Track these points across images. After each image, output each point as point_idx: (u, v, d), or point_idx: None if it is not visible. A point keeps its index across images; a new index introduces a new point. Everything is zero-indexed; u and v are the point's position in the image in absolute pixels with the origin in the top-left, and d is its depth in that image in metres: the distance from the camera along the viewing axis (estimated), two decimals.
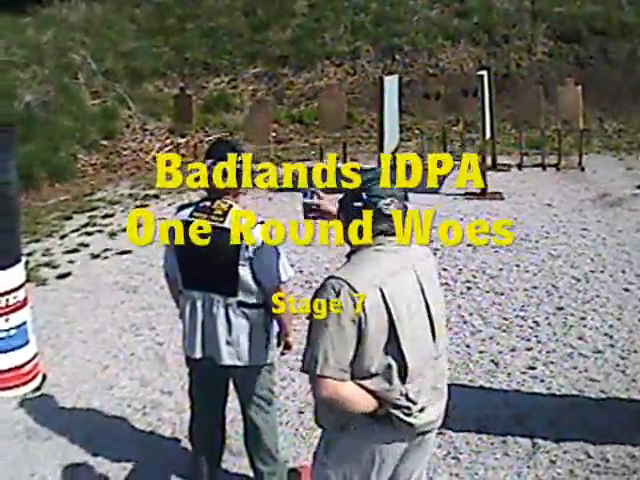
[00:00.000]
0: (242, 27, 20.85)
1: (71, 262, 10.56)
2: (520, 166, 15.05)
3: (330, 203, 4.15)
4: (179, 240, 4.58)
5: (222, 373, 4.78)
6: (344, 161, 14.94)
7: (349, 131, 16.56)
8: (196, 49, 20.16)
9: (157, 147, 16.97)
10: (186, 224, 4.55)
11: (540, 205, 12.53)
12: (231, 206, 4.55)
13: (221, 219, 4.49)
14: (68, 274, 10.08)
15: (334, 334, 3.25)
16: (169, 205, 13.13)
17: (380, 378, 3.34)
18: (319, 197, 4.23)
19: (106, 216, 12.71)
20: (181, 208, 4.76)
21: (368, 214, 3.44)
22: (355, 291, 3.25)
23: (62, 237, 11.71)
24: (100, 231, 11.92)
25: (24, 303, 6.86)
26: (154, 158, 16.48)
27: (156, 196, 13.79)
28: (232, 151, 4.63)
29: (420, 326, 3.44)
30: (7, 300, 6.63)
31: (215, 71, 19.80)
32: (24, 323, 6.86)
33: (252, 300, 4.57)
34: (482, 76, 13.77)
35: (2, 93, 15.71)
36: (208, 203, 4.58)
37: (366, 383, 3.34)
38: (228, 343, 4.57)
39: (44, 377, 7.10)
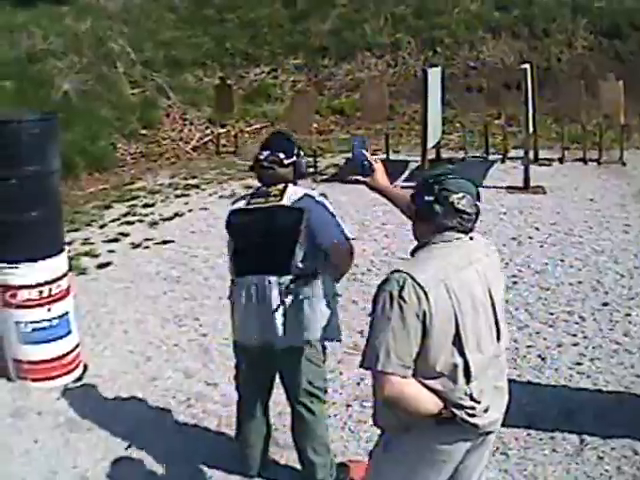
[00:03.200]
0: (282, 18, 20.78)
1: (111, 251, 10.44)
2: (561, 160, 14.96)
3: (380, 171, 4.10)
4: (236, 228, 4.67)
5: (274, 361, 4.73)
6: (386, 153, 14.84)
7: (390, 123, 16.29)
8: (236, 39, 20.11)
9: (197, 137, 16.85)
10: (244, 211, 4.62)
11: (582, 199, 12.39)
12: (286, 186, 4.59)
13: (278, 198, 4.53)
14: (108, 264, 9.95)
15: (397, 329, 3.11)
16: (210, 195, 13.09)
17: (445, 377, 3.21)
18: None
19: (146, 205, 12.63)
20: (236, 201, 4.84)
21: (439, 208, 3.34)
22: (420, 285, 3.13)
23: (102, 226, 11.62)
24: (141, 221, 11.83)
25: (67, 293, 6.74)
26: (194, 148, 16.39)
27: (197, 186, 13.74)
28: (289, 143, 4.75)
29: (484, 323, 3.32)
30: (50, 290, 6.49)
31: (255, 61, 19.76)
32: (67, 313, 6.72)
33: (305, 272, 4.54)
34: (525, 70, 13.53)
35: (40, 81, 15.65)
36: (264, 189, 4.63)
37: (430, 383, 3.21)
38: (284, 324, 4.53)
39: (85, 367, 6.97)
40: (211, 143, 16.78)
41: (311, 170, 14.00)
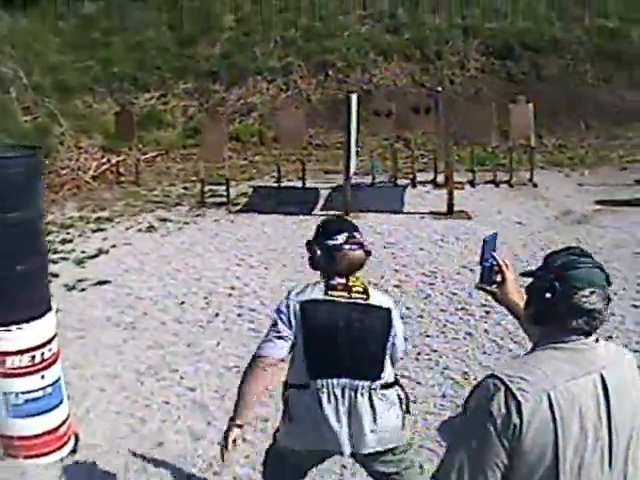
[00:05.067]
0: (169, 42, 20.25)
1: None
2: (472, 183, 15.00)
3: (511, 281, 3.46)
4: (316, 322, 4.07)
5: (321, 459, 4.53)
6: (303, 182, 14.56)
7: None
8: (123, 63, 19.43)
9: (94, 166, 16.15)
10: (324, 304, 4.09)
11: (511, 223, 12.48)
12: (364, 283, 4.20)
13: (364, 296, 4.11)
14: None
15: (477, 448, 2.66)
16: (127, 229, 12.58)
17: None
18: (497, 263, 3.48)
19: (64, 241, 11.98)
20: (301, 291, 4.21)
21: (560, 308, 2.79)
22: (513, 395, 2.63)
23: None
24: (64, 258, 11.17)
25: (57, 356, 6.08)
26: (93, 177, 15.72)
27: (109, 219, 13.14)
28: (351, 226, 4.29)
29: (591, 449, 2.70)
30: (42, 354, 5.81)
31: (144, 86, 19.21)
32: (59, 379, 6.09)
33: (390, 379, 4.24)
34: (437, 94, 13.67)
35: None
36: (342, 280, 4.14)
37: None
38: (372, 431, 4.11)
39: (77, 437, 6.33)
40: (109, 172, 16.03)
41: (224, 200, 13.79)
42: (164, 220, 12.98)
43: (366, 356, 4.11)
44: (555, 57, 20.32)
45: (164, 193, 14.91)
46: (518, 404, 2.60)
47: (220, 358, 7.72)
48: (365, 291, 4.12)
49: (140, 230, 12.49)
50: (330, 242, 4.13)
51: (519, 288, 3.35)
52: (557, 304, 2.78)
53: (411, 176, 15.35)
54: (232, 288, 9.93)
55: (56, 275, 10.38)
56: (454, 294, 9.48)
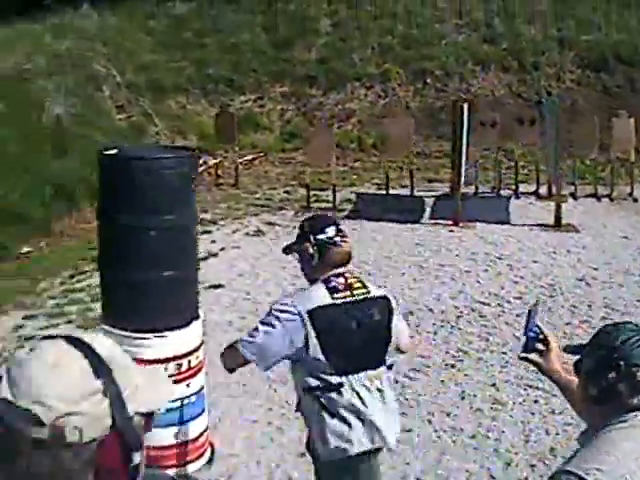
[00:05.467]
0: (264, 44, 19.90)
1: None
2: (575, 196, 14.51)
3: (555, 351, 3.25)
4: (326, 329, 3.94)
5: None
6: (411, 190, 14.16)
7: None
8: (218, 65, 19.14)
9: None
10: (333, 307, 3.98)
11: (617, 238, 12.10)
12: (357, 276, 4.23)
13: (364, 290, 4.09)
14: None
15: None
16: (234, 232, 12.43)
17: None
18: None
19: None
20: (303, 298, 4.08)
21: (624, 387, 2.62)
22: None
23: None
24: None
25: (202, 363, 5.77)
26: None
27: (212, 222, 12.83)
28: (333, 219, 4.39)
29: None
30: (189, 362, 5.53)
31: (240, 89, 18.82)
32: (202, 388, 5.78)
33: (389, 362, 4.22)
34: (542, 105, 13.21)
35: (30, 103, 14.50)
36: (341, 280, 4.07)
37: None
38: (387, 422, 4.09)
39: (212, 447, 6.00)
40: (207, 174, 15.71)
41: (329, 205, 13.45)
42: (270, 224, 12.65)
43: (379, 344, 4.10)
44: None
45: (266, 197, 14.57)
46: None
47: None
48: (364, 285, 4.11)
49: (247, 234, 12.23)
50: (322, 236, 4.05)
51: (562, 358, 3.22)
52: (619, 383, 2.64)
53: (514, 187, 14.93)
54: None
55: None
56: (574, 307, 9.20)
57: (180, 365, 5.46)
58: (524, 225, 12.66)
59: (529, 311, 3.33)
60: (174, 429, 5.53)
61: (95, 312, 8.80)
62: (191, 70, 18.93)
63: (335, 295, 3.98)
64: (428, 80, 19.38)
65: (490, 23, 20.82)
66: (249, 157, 16.64)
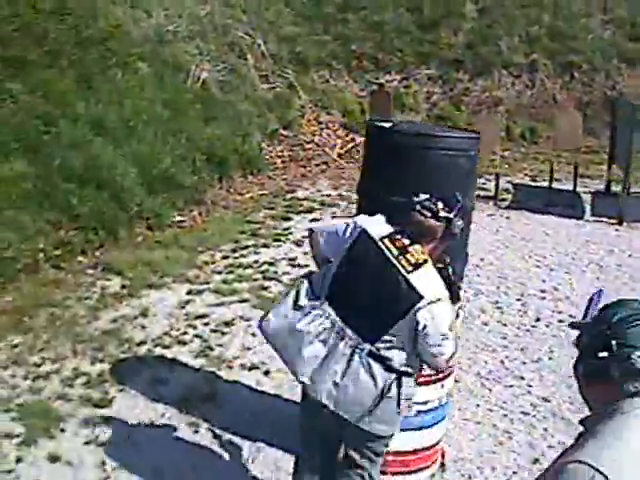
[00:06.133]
0: (409, 24, 18.94)
1: None
2: None
3: None
4: (352, 254, 4.05)
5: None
6: (574, 185, 13.12)
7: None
8: (362, 42, 18.22)
9: (339, 144, 15.01)
10: (373, 246, 3.99)
11: None
12: (426, 261, 3.96)
13: (410, 268, 3.91)
14: None
15: None
16: None
17: None
18: None
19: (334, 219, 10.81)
20: (370, 220, 4.17)
21: (617, 369, 2.46)
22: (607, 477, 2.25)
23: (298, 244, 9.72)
24: None
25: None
26: (339, 155, 14.58)
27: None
28: (453, 196, 4.11)
29: None
30: None
31: (385, 68, 17.92)
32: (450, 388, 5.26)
33: (390, 360, 3.96)
34: None
35: (175, 66, 13.72)
36: (406, 241, 3.98)
37: None
38: (335, 384, 3.96)
39: (443, 450, 5.43)
40: (355, 151, 14.83)
41: (490, 194, 12.55)
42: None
43: (373, 316, 3.97)
44: None
45: None
46: None
47: (559, 367, 6.94)
48: (416, 266, 3.91)
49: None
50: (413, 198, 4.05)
51: None
52: (612, 364, 2.49)
53: None
54: (542, 291, 8.94)
55: None
56: None
57: None
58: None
59: (590, 298, 2.91)
60: (419, 432, 4.97)
61: (270, 292, 8.06)
62: (334, 45, 18.07)
63: (384, 240, 3.99)
64: (575, 74, 18.39)
65: (634, 22, 19.80)
66: None
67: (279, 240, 9.93)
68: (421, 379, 4.52)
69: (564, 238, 11.01)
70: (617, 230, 11.57)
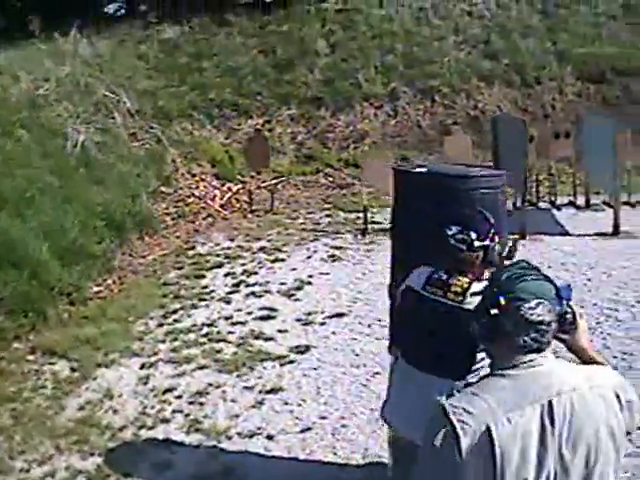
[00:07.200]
0: (263, 67, 19.15)
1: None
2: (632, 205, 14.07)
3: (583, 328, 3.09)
4: (408, 308, 4.21)
5: None
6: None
7: None
8: (219, 89, 18.29)
9: (219, 194, 14.96)
10: (419, 296, 4.10)
11: None
12: (471, 283, 3.97)
13: (459, 298, 3.95)
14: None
15: (429, 475, 2.67)
16: (308, 258, 11.41)
17: None
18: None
19: (247, 273, 10.86)
20: (412, 274, 4.28)
21: (507, 323, 2.66)
22: (454, 429, 2.55)
23: (227, 302, 9.67)
24: (267, 291, 10.06)
25: None
26: (222, 206, 14.51)
27: (277, 249, 11.85)
28: (485, 222, 4.12)
29: (535, 477, 2.59)
30: None
31: (246, 113, 17.97)
32: None
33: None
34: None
35: (51, 131, 13.39)
36: (444, 276, 4.05)
37: None
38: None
39: None
40: (235, 200, 14.84)
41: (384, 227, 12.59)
42: (339, 248, 11.82)
43: (451, 355, 3.97)
44: None
45: (313, 221, 13.73)
46: (457, 438, 2.54)
47: None
48: (463, 293, 3.95)
49: (324, 259, 11.37)
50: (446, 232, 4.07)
51: (589, 336, 3.18)
52: (503, 319, 2.68)
53: (552, 198, 14.87)
54: None
55: (274, 310, 9.20)
56: None
57: None
58: (585, 235, 12.26)
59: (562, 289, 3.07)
60: None
61: (225, 354, 7.96)
62: (192, 95, 18.09)
63: (428, 287, 4.08)
64: (436, 98, 18.86)
65: (487, 39, 20.57)
66: (274, 181, 15.69)
67: (204, 299, 9.77)
68: None
69: None
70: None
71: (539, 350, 2.67)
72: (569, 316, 3.03)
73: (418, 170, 5.12)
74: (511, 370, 2.67)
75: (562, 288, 3.00)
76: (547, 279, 2.77)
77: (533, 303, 2.65)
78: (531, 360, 2.67)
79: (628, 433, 2.76)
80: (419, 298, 4.07)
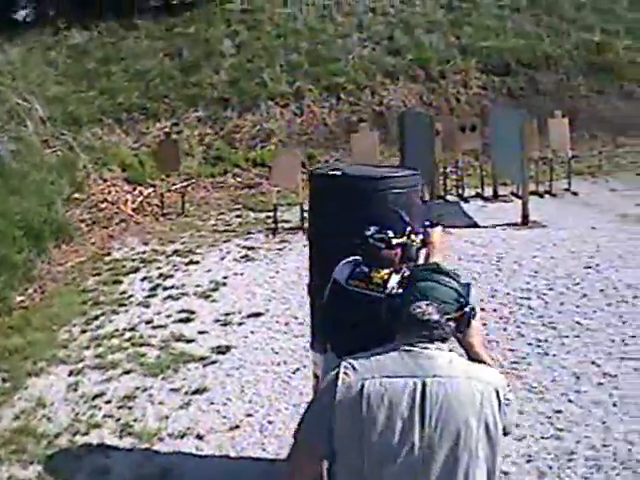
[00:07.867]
0: (170, 69, 19.49)
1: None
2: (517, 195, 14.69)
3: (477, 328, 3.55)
4: (334, 302, 4.32)
5: None
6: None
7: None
8: (128, 93, 18.57)
9: (130, 199, 15.31)
10: (343, 289, 4.24)
11: (587, 229, 12.30)
12: (391, 274, 4.13)
13: (380, 288, 4.08)
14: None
15: (316, 410, 3.21)
16: (222, 259, 11.90)
17: None
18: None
19: (162, 276, 11.28)
20: (342, 265, 4.38)
21: (403, 315, 3.19)
22: (337, 378, 3.07)
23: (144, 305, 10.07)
24: (184, 293, 10.47)
25: None
26: (134, 210, 14.89)
27: (191, 251, 12.33)
28: (402, 222, 4.45)
29: (398, 440, 2.97)
30: None
31: (154, 116, 18.30)
32: None
33: None
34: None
35: None
36: (366, 269, 4.20)
37: None
38: None
39: None
40: (147, 204, 15.23)
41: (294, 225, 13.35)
42: (251, 248, 12.30)
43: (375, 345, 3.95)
44: (549, 72, 20.44)
45: (224, 222, 14.21)
46: (335, 386, 3.02)
47: None
48: (384, 283, 4.08)
49: (237, 260, 11.84)
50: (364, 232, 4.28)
51: (481, 333, 3.64)
52: (401, 312, 3.21)
53: (460, 191, 15.56)
54: None
55: (192, 312, 9.68)
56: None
57: None
58: (494, 226, 12.82)
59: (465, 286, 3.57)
60: None
61: (149, 357, 8.36)
62: (101, 100, 18.34)
63: (351, 281, 4.18)
64: (341, 95, 19.34)
65: (391, 35, 21.18)
66: (184, 184, 16.10)
67: (124, 304, 10.12)
68: None
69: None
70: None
71: (430, 341, 3.07)
72: (466, 316, 3.43)
73: (332, 173, 5.36)
74: (404, 347, 3.08)
75: (462, 289, 3.44)
76: (449, 286, 3.32)
77: (423, 304, 3.14)
78: (425, 348, 3.06)
79: (505, 431, 3.06)
80: (343, 291, 4.22)
